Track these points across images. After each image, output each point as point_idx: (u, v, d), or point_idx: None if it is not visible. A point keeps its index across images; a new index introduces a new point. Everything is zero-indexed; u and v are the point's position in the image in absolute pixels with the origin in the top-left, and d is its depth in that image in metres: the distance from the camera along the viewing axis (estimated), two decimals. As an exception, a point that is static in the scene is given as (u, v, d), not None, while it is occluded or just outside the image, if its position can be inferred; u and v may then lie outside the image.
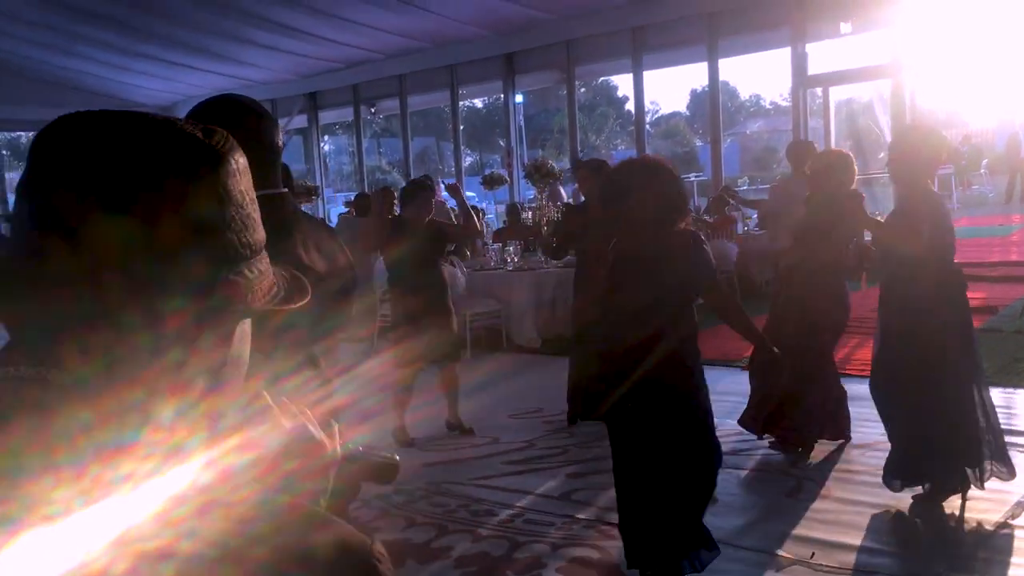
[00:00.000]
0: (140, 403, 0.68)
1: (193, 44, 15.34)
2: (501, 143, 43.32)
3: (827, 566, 3.66)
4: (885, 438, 4.43)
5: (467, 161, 29.12)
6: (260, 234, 0.77)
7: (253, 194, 0.76)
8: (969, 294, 8.44)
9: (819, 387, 5.04)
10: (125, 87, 18.76)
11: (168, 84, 18.48)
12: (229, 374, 0.76)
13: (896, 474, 4.19)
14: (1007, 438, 4.99)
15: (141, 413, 0.68)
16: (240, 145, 0.77)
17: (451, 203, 10.00)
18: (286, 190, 2.14)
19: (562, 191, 14.11)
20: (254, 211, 0.76)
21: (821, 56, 13.05)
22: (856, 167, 5.11)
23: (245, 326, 0.78)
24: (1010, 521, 3.94)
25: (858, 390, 5.85)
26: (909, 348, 4.08)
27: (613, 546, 3.97)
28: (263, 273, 0.76)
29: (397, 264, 5.90)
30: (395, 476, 1.04)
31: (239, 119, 1.95)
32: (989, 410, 4.16)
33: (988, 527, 3.89)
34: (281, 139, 2.13)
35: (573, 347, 6.13)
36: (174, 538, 0.64)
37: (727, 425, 5.48)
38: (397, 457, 1.02)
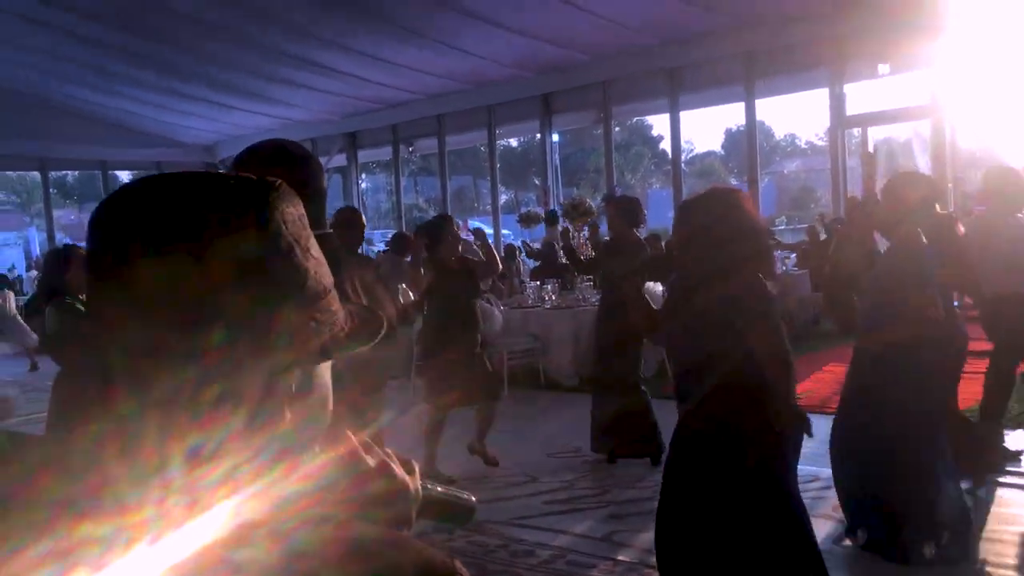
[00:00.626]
0: (178, 435, 0.69)
1: (237, 85, 15.69)
2: (536, 181, 43.52)
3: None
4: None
5: (502, 199, 29.31)
6: (327, 276, 0.78)
7: (312, 237, 0.78)
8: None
9: None
10: (171, 127, 19.20)
11: (212, 124, 18.88)
12: (311, 413, 0.77)
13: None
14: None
15: (180, 445, 0.69)
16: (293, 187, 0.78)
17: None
18: (331, 231, 2.20)
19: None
20: (316, 252, 0.77)
21: (859, 96, 13.06)
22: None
23: (320, 368, 0.79)
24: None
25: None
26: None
27: (656, 589, 3.91)
28: (335, 312, 0.77)
29: (433, 304, 5.91)
30: (472, 518, 1.04)
31: (288, 164, 1.99)
32: None
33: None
34: (325, 181, 2.18)
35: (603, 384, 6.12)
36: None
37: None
38: (474, 499, 1.02)
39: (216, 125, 19.03)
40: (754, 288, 3.13)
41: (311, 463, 0.77)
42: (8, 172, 21.24)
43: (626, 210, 5.99)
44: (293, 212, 0.76)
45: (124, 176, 22.74)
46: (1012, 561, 3.98)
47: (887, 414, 3.93)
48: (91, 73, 15.61)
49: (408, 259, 6.89)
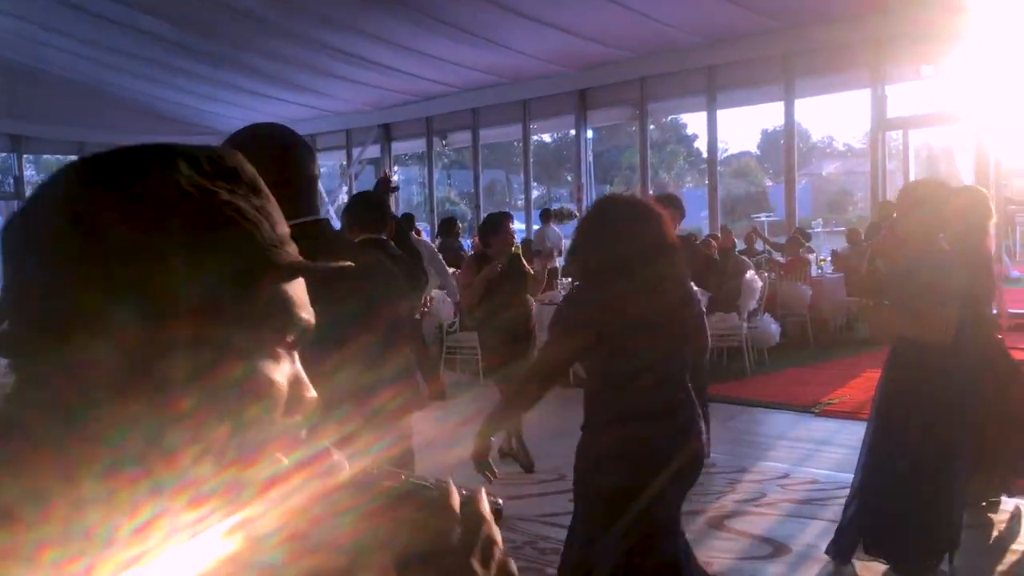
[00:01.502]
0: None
1: (274, 75, 15.77)
2: (568, 177, 43.36)
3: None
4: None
5: (534, 195, 29.25)
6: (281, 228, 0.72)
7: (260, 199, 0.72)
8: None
9: None
10: (208, 115, 19.35)
11: (248, 113, 18.97)
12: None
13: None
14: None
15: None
16: (263, 172, 0.74)
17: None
18: (324, 218, 2.14)
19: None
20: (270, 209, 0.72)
21: (900, 98, 12.87)
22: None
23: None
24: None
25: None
26: None
27: (684, 592, 3.87)
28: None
29: (488, 300, 5.78)
30: (499, 520, 1.00)
31: (263, 145, 1.99)
32: None
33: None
34: (317, 169, 2.14)
35: None
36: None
37: (802, 472, 5.35)
38: (500, 501, 0.98)
39: (252, 115, 19.11)
40: (581, 300, 2.94)
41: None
42: (49, 156, 21.48)
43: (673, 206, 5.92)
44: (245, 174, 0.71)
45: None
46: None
47: (924, 416, 3.79)
48: (138, 63, 15.76)
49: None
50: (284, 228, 0.72)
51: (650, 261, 2.77)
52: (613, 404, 2.81)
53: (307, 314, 0.72)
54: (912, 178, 12.61)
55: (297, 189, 2.02)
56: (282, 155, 2.04)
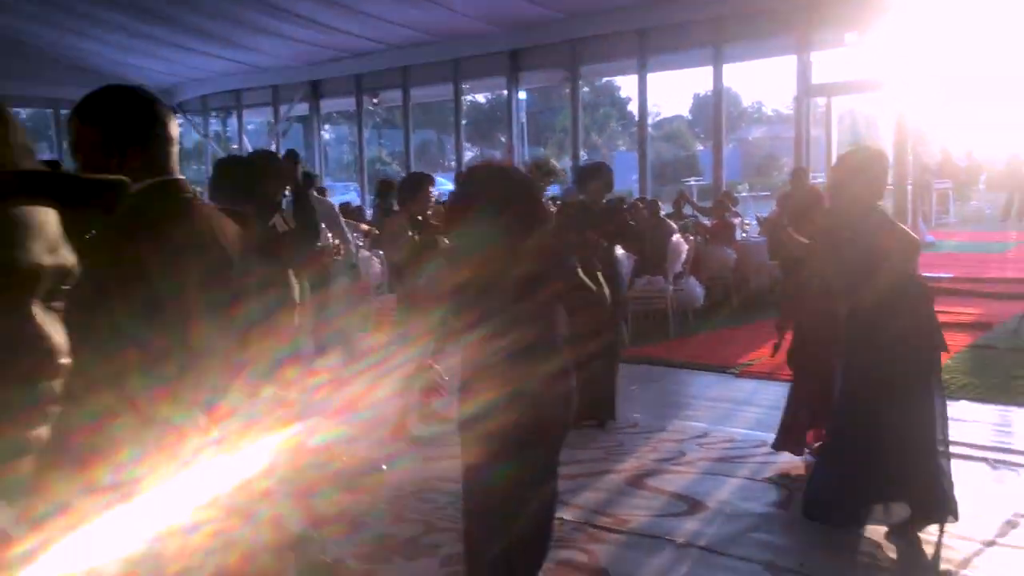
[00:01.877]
0: None
1: (198, 27, 15.27)
2: (503, 139, 43.15)
3: (815, 578, 3.65)
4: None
5: (468, 156, 29.02)
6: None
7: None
8: (965, 309, 8.46)
9: None
10: (128, 68, 18.67)
11: (170, 66, 18.42)
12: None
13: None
14: (1002, 456, 5.00)
15: None
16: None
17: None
18: (181, 177, 2.10)
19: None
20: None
21: (826, 65, 13.08)
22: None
23: None
24: (998, 540, 3.92)
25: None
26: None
27: (600, 549, 3.95)
28: None
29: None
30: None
31: (111, 101, 2.02)
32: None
33: (977, 544, 3.87)
34: (170, 128, 2.07)
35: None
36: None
37: (720, 431, 5.47)
38: (384, 467, 0.98)
39: (176, 67, 18.56)
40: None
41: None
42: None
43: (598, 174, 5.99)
44: None
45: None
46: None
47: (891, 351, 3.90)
48: (53, 11, 15.09)
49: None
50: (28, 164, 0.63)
51: (503, 225, 2.91)
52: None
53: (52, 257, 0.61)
54: (835, 144, 12.88)
55: (148, 149, 2.01)
56: (129, 112, 2.02)
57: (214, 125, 21.74)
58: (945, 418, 4.00)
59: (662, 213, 10.78)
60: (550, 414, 2.97)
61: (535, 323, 3.00)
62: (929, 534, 3.97)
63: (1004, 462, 4.92)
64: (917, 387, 3.91)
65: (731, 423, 5.88)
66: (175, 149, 2.08)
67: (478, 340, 3.05)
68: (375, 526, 4.28)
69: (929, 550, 3.88)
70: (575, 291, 3.19)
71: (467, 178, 3.34)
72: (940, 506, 3.94)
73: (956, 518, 3.94)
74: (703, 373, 7.49)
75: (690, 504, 4.47)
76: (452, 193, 3.54)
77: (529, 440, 2.85)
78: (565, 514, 4.34)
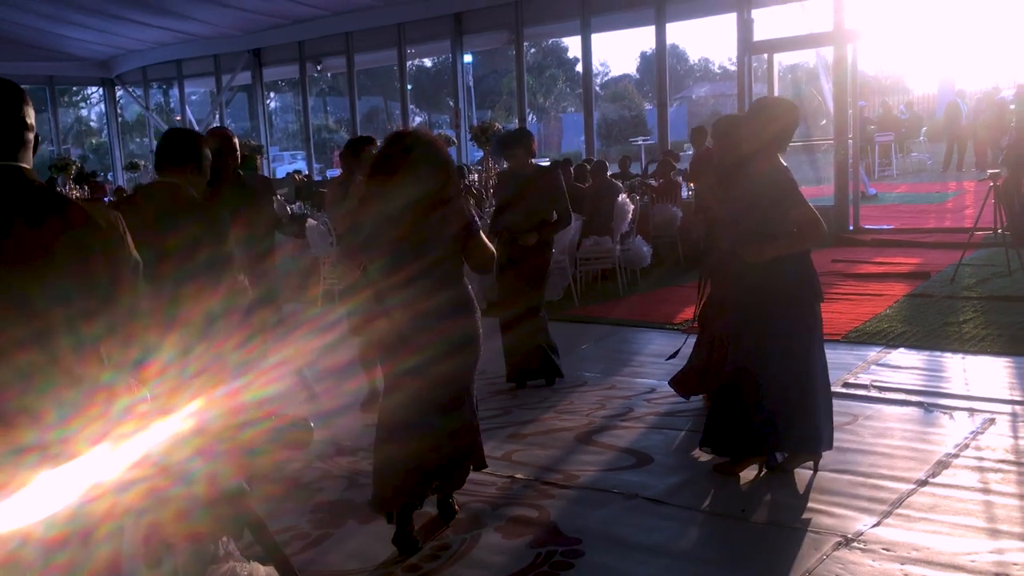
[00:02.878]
0: None
1: (134, -3, 14.91)
2: (451, 103, 42.78)
3: (759, 522, 3.78)
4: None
5: (415, 121, 28.69)
6: None
7: None
8: (905, 260, 8.68)
9: None
10: (60, 39, 18.20)
11: (105, 37, 17.97)
12: None
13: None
14: (935, 400, 5.20)
15: None
16: None
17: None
18: (22, 165, 1.99)
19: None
20: None
21: (767, 22, 13.15)
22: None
23: None
24: (930, 480, 4.09)
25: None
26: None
27: (551, 504, 4.05)
28: None
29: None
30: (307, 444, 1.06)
31: None
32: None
33: (910, 484, 4.04)
34: (27, 114, 2.00)
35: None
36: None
37: (666, 388, 5.60)
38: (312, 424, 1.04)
39: (112, 39, 18.12)
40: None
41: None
42: None
43: (525, 140, 5.98)
44: None
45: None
46: (888, 472, 4.23)
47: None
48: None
49: None
50: None
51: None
52: None
53: None
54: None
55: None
56: None
57: (156, 97, 21.26)
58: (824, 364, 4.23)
59: (608, 173, 10.84)
60: (463, 359, 3.75)
61: (457, 279, 3.67)
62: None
63: (937, 405, 5.12)
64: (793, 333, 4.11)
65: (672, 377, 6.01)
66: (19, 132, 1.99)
67: (413, 296, 3.56)
68: (329, 491, 4.34)
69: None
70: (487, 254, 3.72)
71: (397, 143, 3.62)
72: (813, 443, 4.18)
73: (830, 447, 4.22)
74: (651, 330, 7.62)
75: (637, 458, 4.59)
76: (383, 156, 3.59)
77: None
78: (517, 473, 4.44)
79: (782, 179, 4.09)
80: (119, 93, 21.60)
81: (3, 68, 18.80)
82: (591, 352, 6.92)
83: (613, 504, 4.04)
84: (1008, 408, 5.01)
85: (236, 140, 4.81)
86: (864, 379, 5.68)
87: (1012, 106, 15.23)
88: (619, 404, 5.53)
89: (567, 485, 4.28)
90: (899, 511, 3.79)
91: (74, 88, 33.01)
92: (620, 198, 9.34)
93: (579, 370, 6.27)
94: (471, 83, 16.63)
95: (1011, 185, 9.82)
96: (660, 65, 13.94)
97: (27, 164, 1.97)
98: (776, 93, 12.66)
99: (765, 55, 12.97)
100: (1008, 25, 12.17)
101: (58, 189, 13.90)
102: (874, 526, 3.66)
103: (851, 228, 11.81)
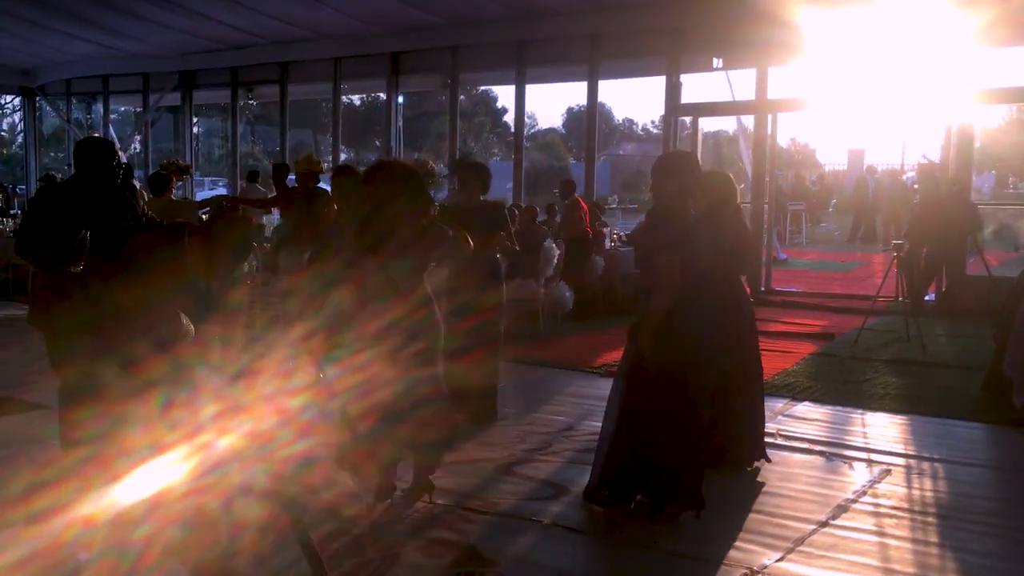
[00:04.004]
0: None
1: (61, 5, 14.62)
2: (377, 142, 42.68)
3: (670, 552, 3.93)
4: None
5: (342, 157, 28.73)
6: None
7: None
8: (812, 321, 9.05)
9: None
10: (-18, 46, 17.72)
11: (30, 46, 17.57)
12: None
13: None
14: (837, 450, 5.47)
15: None
16: None
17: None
18: None
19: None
20: None
21: (693, 87, 13.77)
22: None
23: None
24: (831, 522, 4.32)
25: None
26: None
27: (471, 529, 4.14)
28: None
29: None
30: None
31: None
32: None
33: (812, 525, 4.26)
34: None
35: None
36: None
37: (584, 426, 5.74)
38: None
39: (35, 48, 17.71)
40: None
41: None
42: None
43: (484, 175, 6.13)
44: None
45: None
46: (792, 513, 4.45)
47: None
48: None
49: None
50: None
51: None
52: None
53: None
54: (700, 162, 13.51)
55: None
56: None
57: (77, 111, 20.80)
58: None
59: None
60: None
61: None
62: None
63: (838, 455, 5.40)
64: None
65: (595, 418, 6.15)
66: None
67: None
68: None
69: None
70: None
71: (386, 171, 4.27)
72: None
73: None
74: (570, 372, 7.80)
75: (556, 489, 4.72)
76: (372, 181, 3.94)
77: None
78: (438, 498, 4.51)
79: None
80: (39, 103, 21.08)
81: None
82: (512, 389, 7.04)
83: (531, 531, 4.15)
84: (903, 461, 5.32)
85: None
86: (771, 428, 5.94)
87: (915, 185, 16.14)
88: (538, 439, 5.66)
89: (487, 511, 4.37)
90: (802, 548, 4.00)
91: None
92: (546, 243, 9.57)
93: (500, 406, 6.38)
94: (401, 123, 16.76)
95: (912, 258, 10.41)
96: (590, 120, 14.36)
97: None
98: (700, 155, 13.18)
99: (689, 118, 13.51)
100: (913, 105, 12.95)
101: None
102: (778, 560, 3.86)
103: (763, 288, 12.30)
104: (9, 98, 34.54)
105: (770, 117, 12.57)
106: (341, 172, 6.39)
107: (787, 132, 36.84)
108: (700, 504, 4.22)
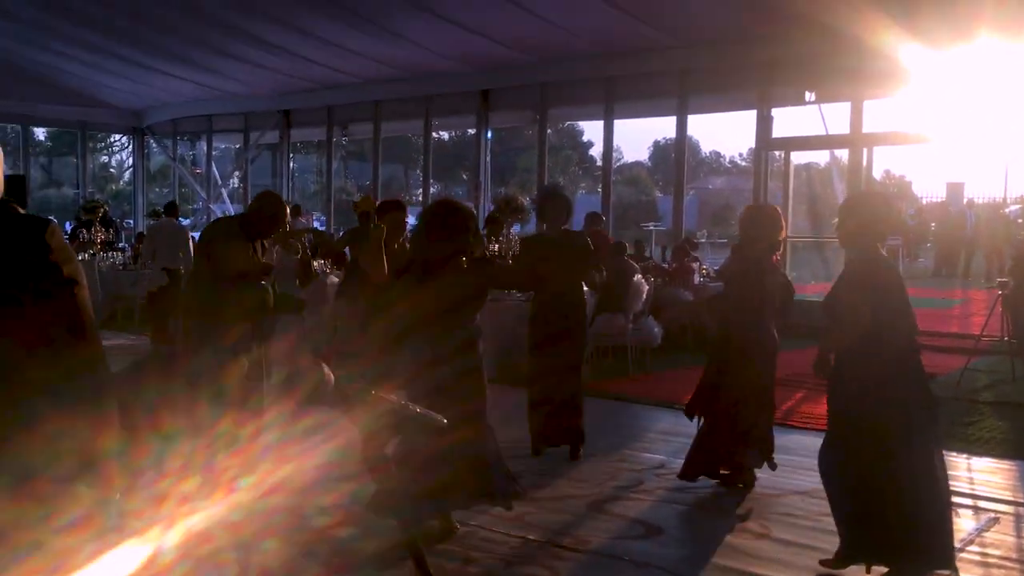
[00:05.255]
0: None
1: (172, 50, 15.40)
2: (464, 176, 43.24)
3: (764, 599, 3.86)
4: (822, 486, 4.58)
5: (432, 191, 29.24)
6: None
7: None
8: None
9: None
10: (98, 87, 18.71)
11: (140, 88, 18.47)
12: None
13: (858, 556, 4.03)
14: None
15: None
16: None
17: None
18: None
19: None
20: None
21: (785, 121, 13.59)
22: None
23: None
24: (938, 572, 4.16)
25: (800, 440, 6.13)
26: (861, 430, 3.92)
27: (562, 566, 4.14)
28: None
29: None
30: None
31: None
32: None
33: None
34: None
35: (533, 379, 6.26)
36: None
37: (676, 464, 5.70)
38: (444, 420, 1.19)
39: (146, 90, 18.62)
40: None
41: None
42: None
43: (564, 205, 6.16)
44: None
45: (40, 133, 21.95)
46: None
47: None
48: (17, 23, 15.11)
49: None
50: None
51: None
52: None
53: None
54: (791, 197, 13.31)
55: None
56: None
57: (182, 149, 21.73)
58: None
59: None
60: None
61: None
62: None
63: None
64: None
65: (683, 455, 6.10)
66: None
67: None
68: (344, 533, 4.42)
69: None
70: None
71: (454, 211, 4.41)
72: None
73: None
74: (660, 409, 7.74)
75: (646, 528, 4.68)
76: (440, 222, 4.08)
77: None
78: (530, 534, 4.53)
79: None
80: (147, 142, 22.08)
81: (38, 110, 19.35)
82: (600, 426, 7.01)
83: (623, 571, 4.13)
84: (1011, 508, 5.11)
85: None
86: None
87: (1020, 220, 15.56)
88: (629, 476, 5.63)
89: (578, 549, 4.36)
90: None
91: (99, 135, 33.67)
92: (636, 278, 9.55)
93: (589, 442, 6.36)
94: (489, 158, 16.99)
95: (1018, 295, 10.01)
96: (679, 154, 14.32)
97: None
98: (791, 190, 13.01)
99: (781, 152, 13.35)
100: (1015, 137, 12.54)
101: (83, 229, 14.16)
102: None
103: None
104: (117, 136, 36.27)
105: (865, 150, 12.33)
106: (393, 207, 6.41)
107: (881, 164, 35.91)
108: None
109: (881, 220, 4.12)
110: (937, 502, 3.92)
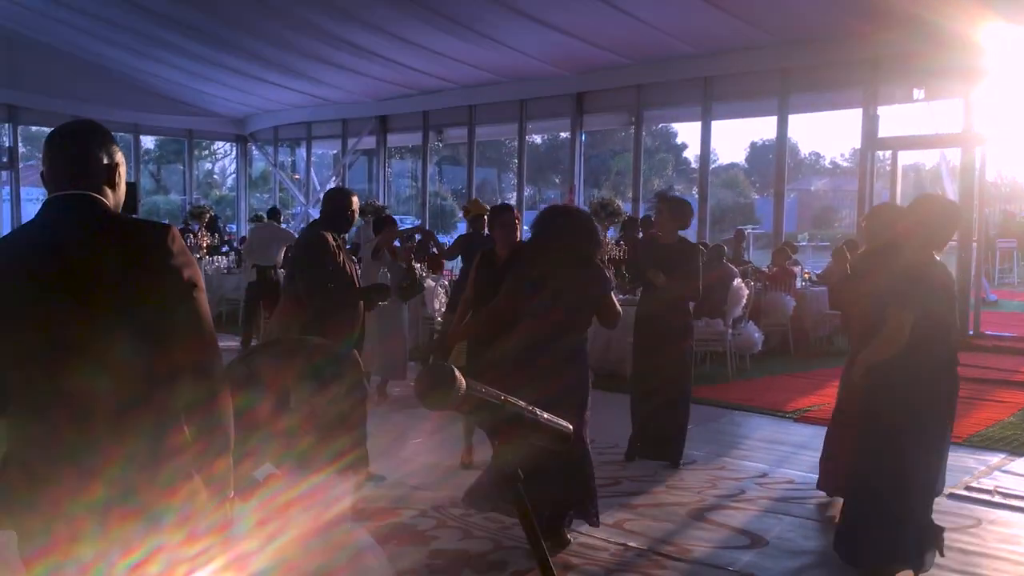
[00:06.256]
0: None
1: (272, 59, 15.80)
2: (556, 179, 43.29)
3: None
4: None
5: (526, 194, 29.31)
6: None
7: None
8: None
9: None
10: (201, 95, 19.36)
11: (243, 96, 19.04)
12: None
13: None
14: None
15: None
16: None
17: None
18: (83, 193, 2.07)
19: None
20: None
21: (891, 119, 13.07)
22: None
23: None
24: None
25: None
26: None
27: (664, 575, 4.05)
28: None
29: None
30: (568, 442, 1.19)
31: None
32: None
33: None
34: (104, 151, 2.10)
35: (634, 386, 6.20)
36: None
37: (779, 473, 5.54)
38: (570, 427, 1.16)
39: (249, 98, 19.17)
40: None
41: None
42: (34, 127, 21.40)
43: (681, 211, 6.08)
44: None
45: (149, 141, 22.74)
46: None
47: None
48: (129, 36, 15.75)
49: None
50: None
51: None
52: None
53: None
54: (899, 198, 12.84)
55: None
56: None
57: (282, 155, 22.34)
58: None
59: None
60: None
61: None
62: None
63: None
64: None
65: (789, 465, 5.94)
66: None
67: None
68: (445, 540, 4.44)
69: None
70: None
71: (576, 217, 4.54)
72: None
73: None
74: (761, 416, 7.55)
75: (751, 538, 4.55)
76: (561, 228, 4.23)
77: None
78: (630, 541, 4.46)
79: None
80: (250, 149, 22.76)
81: (147, 119, 20.16)
82: (699, 432, 6.87)
83: (727, 582, 4.02)
84: None
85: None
86: (988, 484, 5.51)
87: None
88: (730, 485, 5.49)
89: (680, 558, 4.27)
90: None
91: (203, 142, 34.88)
92: (735, 282, 9.35)
93: (688, 449, 6.24)
94: (582, 162, 16.91)
95: None
96: (780, 156, 13.98)
97: (99, 194, 2.03)
98: (899, 191, 12.54)
99: (885, 152, 12.88)
100: None
101: (191, 234, 14.68)
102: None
103: (971, 332, 11.47)
104: (219, 144, 37.54)
105: (978, 150, 11.79)
106: (506, 210, 6.28)
107: (993, 164, 34.47)
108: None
109: (936, 225, 3.95)
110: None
